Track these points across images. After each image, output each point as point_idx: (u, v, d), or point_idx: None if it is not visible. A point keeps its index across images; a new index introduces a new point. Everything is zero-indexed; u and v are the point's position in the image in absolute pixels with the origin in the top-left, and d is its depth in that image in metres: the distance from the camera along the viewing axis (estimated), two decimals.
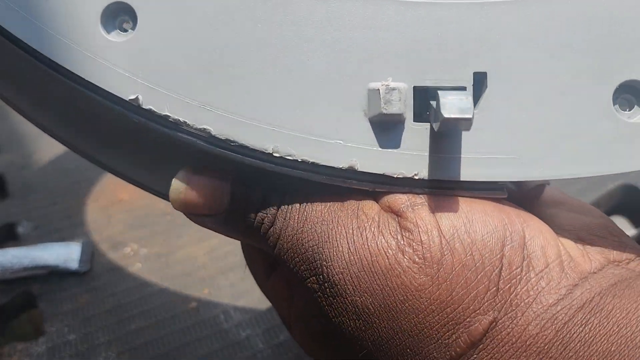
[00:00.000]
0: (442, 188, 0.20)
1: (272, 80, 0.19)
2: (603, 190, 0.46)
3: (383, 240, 0.20)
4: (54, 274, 0.39)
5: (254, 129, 0.19)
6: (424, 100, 0.20)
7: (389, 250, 0.20)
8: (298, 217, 0.21)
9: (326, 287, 0.20)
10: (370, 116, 0.19)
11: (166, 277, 0.39)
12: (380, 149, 0.20)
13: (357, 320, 0.20)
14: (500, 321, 0.18)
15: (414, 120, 0.19)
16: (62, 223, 0.45)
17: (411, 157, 0.19)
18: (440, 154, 0.19)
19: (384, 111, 0.19)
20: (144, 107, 0.19)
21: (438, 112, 0.17)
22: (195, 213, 0.24)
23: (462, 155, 0.19)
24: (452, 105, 0.17)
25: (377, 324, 0.20)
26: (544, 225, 0.20)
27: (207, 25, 0.19)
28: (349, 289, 0.20)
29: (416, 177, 0.20)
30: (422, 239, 0.19)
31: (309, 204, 0.21)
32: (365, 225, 0.20)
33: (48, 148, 0.55)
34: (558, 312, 0.18)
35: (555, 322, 0.18)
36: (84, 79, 0.19)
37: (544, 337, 0.18)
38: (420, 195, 0.20)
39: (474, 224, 0.20)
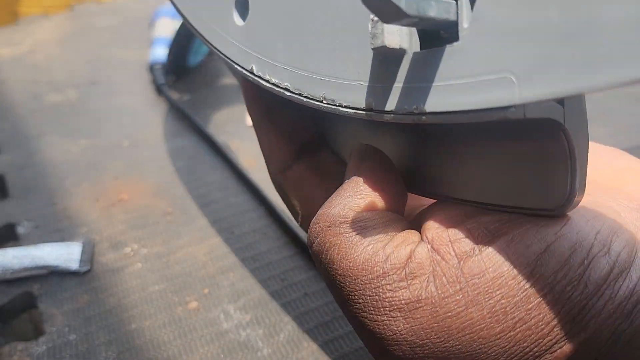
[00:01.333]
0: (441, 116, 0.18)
1: (322, 43, 0.22)
2: None
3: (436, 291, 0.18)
4: (54, 274, 0.39)
5: (313, 81, 0.23)
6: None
7: (455, 305, 0.18)
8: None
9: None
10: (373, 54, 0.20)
11: (166, 277, 0.39)
12: (375, 84, 0.20)
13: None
14: (592, 335, 0.18)
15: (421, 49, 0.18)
16: (62, 223, 0.45)
17: (408, 90, 0.18)
18: (436, 82, 0.18)
19: (371, 46, 0.18)
20: (256, 73, 0.25)
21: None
22: None
23: (455, 82, 0.17)
24: None
25: None
26: (615, 223, 0.19)
27: (282, 12, 0.24)
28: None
29: (416, 111, 0.18)
30: (492, 286, 0.18)
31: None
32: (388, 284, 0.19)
33: (48, 148, 0.55)
34: None
35: None
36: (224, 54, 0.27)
37: None
38: (484, 231, 0.19)
39: (550, 253, 0.18)
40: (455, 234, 0.19)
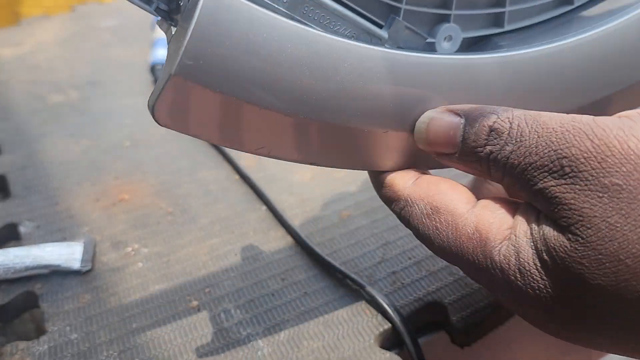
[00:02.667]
0: None
1: None
2: None
3: None
4: (56, 274, 0.40)
5: None
6: None
7: None
8: (530, 131, 0.24)
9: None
10: None
11: (167, 276, 0.39)
12: None
13: None
14: None
15: None
16: (64, 223, 0.45)
17: None
18: None
19: None
20: None
21: None
22: (436, 151, 0.27)
23: None
24: None
25: None
26: None
27: None
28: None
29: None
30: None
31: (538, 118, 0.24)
32: None
33: (50, 149, 0.55)
34: None
35: None
36: None
37: None
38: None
39: None
40: None
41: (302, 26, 0.26)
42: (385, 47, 0.29)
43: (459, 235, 0.26)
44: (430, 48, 0.31)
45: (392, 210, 0.29)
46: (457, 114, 0.26)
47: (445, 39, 0.32)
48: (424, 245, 0.28)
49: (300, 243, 0.41)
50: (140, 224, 0.44)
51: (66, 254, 0.40)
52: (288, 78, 0.26)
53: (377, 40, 0.30)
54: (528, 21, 0.35)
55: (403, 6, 0.30)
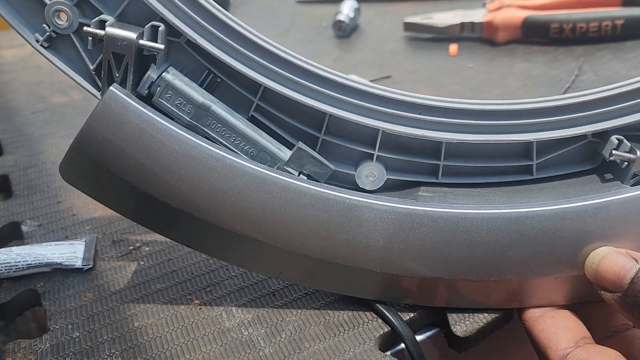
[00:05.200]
0: None
1: None
2: None
3: None
4: (58, 272, 0.40)
5: None
6: None
7: None
8: None
9: None
10: None
11: (169, 275, 0.40)
12: None
13: None
14: None
15: None
16: (66, 222, 0.45)
17: None
18: None
19: None
20: None
21: None
22: (601, 285, 0.28)
23: None
24: None
25: None
26: None
27: None
28: None
29: None
30: None
31: None
32: None
33: (52, 149, 0.55)
34: None
35: None
36: None
37: None
38: None
39: None
40: None
41: (185, 134, 0.31)
42: (269, 170, 0.32)
43: None
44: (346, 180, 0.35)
45: None
46: (634, 258, 0.27)
47: (366, 175, 0.35)
48: None
49: None
50: None
51: (68, 252, 0.40)
52: (162, 174, 0.31)
53: (275, 161, 0.33)
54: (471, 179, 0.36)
55: (321, 136, 0.34)
